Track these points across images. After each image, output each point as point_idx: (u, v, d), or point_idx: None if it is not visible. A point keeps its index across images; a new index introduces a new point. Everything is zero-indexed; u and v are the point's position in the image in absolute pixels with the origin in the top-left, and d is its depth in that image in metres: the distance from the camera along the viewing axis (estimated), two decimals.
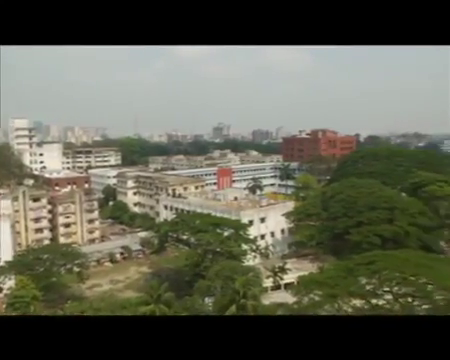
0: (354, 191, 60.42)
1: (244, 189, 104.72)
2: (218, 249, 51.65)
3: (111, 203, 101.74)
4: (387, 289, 31.71)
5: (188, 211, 71.71)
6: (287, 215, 65.07)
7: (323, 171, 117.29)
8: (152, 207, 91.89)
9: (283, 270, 52.27)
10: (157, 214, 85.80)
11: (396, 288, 31.39)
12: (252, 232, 59.54)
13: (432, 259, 37.18)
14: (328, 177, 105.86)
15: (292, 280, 50.51)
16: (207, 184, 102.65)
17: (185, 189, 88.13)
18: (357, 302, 32.19)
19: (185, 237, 60.63)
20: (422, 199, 61.19)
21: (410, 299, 31.04)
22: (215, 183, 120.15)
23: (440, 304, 29.74)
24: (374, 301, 31.77)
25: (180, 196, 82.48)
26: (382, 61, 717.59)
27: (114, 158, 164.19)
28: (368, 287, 32.10)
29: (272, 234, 67.07)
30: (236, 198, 76.87)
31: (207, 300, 43.06)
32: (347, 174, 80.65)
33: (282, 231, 68.31)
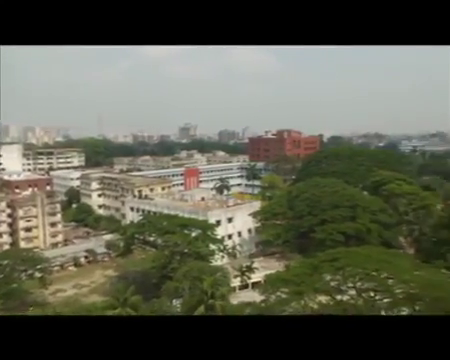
0: (318, 190, 61.94)
1: (211, 189, 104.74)
2: (186, 250, 51.43)
3: (74, 206, 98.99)
4: (351, 285, 32.70)
5: (155, 212, 70.99)
6: (254, 215, 65.77)
7: (288, 171, 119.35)
8: (118, 209, 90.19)
9: (250, 269, 52.77)
10: (123, 216, 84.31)
11: (359, 283, 32.43)
12: (219, 232, 59.70)
13: (392, 254, 38.77)
14: (293, 177, 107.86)
15: (259, 279, 51.06)
16: (174, 185, 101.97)
17: (152, 190, 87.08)
18: (322, 298, 33.02)
19: (152, 239, 59.99)
20: (382, 197, 63.57)
21: (372, 293, 32.14)
22: (182, 184, 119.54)
23: (399, 297, 31.04)
24: (339, 297, 32.70)
25: (146, 197, 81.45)
26: (346, 62, 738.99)
27: (77, 159, 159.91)
28: (333, 283, 32.99)
29: (239, 234, 67.55)
30: (203, 198, 76.84)
31: (175, 302, 42.80)
32: (311, 174, 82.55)
33: (249, 231, 68.93)
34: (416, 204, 62.28)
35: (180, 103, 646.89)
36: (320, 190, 61.87)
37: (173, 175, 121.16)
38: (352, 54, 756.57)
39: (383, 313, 30.15)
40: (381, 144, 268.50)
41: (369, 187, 71.36)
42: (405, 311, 30.39)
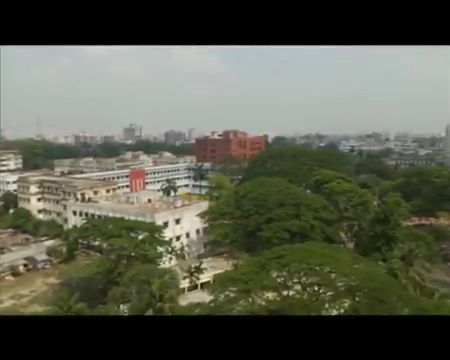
0: (264, 189, 63.41)
1: (158, 191, 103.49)
2: (132, 253, 50.34)
3: (12, 211, 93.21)
4: (296, 280, 33.84)
5: (99, 216, 68.72)
6: (202, 215, 65.89)
7: (235, 171, 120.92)
8: (59, 213, 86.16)
9: (199, 270, 52.82)
10: (65, 221, 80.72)
11: (304, 278, 33.60)
12: (167, 234, 59.14)
13: (334, 249, 40.68)
14: (240, 177, 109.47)
15: (208, 279, 51.30)
16: (119, 187, 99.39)
17: (95, 193, 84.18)
18: (270, 295, 33.88)
19: (97, 243, 58.05)
20: (324, 195, 66.38)
21: (316, 287, 33.46)
22: (128, 186, 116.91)
23: (341, 290, 32.66)
24: (285, 292, 33.73)
25: (90, 200, 78.64)
26: (290, 63, 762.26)
27: (14, 162, 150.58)
28: (279, 280, 33.92)
29: (187, 235, 67.36)
30: (150, 200, 75.69)
31: (122, 307, 41.77)
32: (257, 173, 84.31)
33: (197, 231, 68.95)
34: (355, 201, 65.75)
35: (124, 103, 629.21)
36: (266, 189, 63.37)
37: (118, 177, 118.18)
38: (297, 56, 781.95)
39: (326, 305, 31.54)
40: (322, 144, 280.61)
41: (312, 185, 74.29)
42: (346, 303, 32.03)
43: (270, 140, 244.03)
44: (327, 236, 56.83)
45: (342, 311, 31.46)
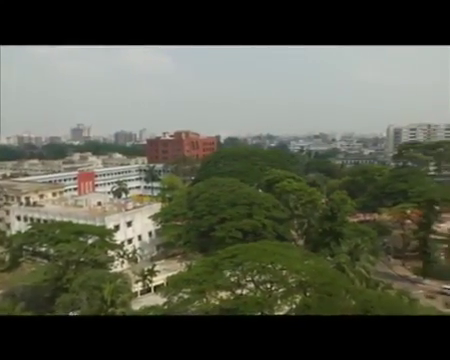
0: (216, 190, 63.73)
1: (108, 193, 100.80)
2: (82, 259, 48.57)
3: None
4: (249, 278, 34.37)
5: (46, 220, 65.68)
6: (154, 217, 64.96)
7: (187, 171, 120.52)
8: (1, 219, 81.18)
9: (152, 273, 52.06)
10: (8, 226, 76.28)
11: (257, 276, 34.19)
12: (118, 237, 57.76)
13: (285, 247, 41.69)
14: (192, 177, 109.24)
15: (162, 281, 50.72)
16: (67, 190, 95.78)
17: (41, 196, 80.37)
18: (223, 294, 34.12)
19: (43, 249, 55.39)
20: (275, 194, 67.95)
21: (269, 285, 34.18)
22: (76, 188, 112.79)
23: (293, 286, 33.61)
24: (239, 291, 34.13)
25: (35, 204, 74.94)
26: (241, 64, 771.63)
27: None
28: (232, 279, 34.26)
29: (139, 237, 66.14)
30: (100, 203, 73.45)
31: (72, 314, 40.20)
32: (210, 174, 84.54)
33: (150, 233, 67.90)
34: (304, 199, 67.88)
35: (72, 103, 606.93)
36: (218, 189, 63.72)
37: (65, 179, 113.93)
38: (249, 57, 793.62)
39: (278, 302, 32.30)
40: (273, 144, 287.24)
41: (263, 185, 75.74)
42: (297, 298, 33.00)
43: (222, 141, 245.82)
44: (279, 234, 58.17)
45: (294, 306, 32.38)
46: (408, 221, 69.79)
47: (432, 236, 61.36)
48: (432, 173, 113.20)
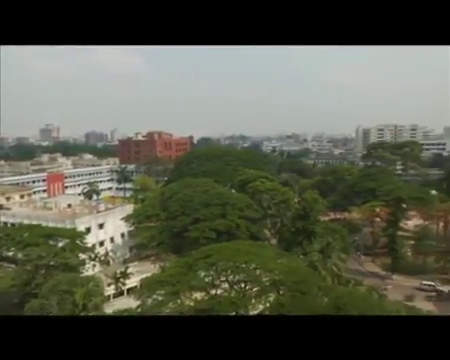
0: (190, 190, 63.55)
1: (79, 195, 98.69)
2: (52, 262, 47.29)
3: None
4: (223, 278, 34.48)
5: (13, 224, 63.59)
6: (126, 218, 64.08)
7: (160, 172, 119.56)
8: None
9: (125, 275, 51.35)
10: None
11: (231, 276, 34.35)
12: (90, 240, 56.57)
13: (259, 246, 42.07)
14: (165, 178, 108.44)
15: (135, 284, 50.12)
16: (35, 192, 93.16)
17: (8, 199, 77.84)
18: (198, 295, 34.08)
19: (11, 254, 53.57)
20: (248, 194, 68.37)
21: (243, 284, 34.41)
22: (45, 190, 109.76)
23: (267, 285, 33.96)
24: (213, 291, 34.17)
25: (2, 207, 72.44)
26: (214, 64, 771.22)
27: None
28: (207, 279, 34.28)
29: (112, 239, 65.05)
30: (70, 205, 71.79)
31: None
32: (183, 174, 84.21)
33: (122, 235, 66.90)
34: (277, 199, 68.65)
35: (41, 103, 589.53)
36: (192, 190, 63.56)
37: (34, 181, 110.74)
38: (221, 57, 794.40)
39: (253, 301, 32.56)
40: (246, 145, 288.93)
41: (236, 185, 76.07)
42: (271, 297, 33.38)
43: (195, 141, 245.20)
44: (252, 234, 58.61)
45: (268, 305, 32.73)
46: (377, 219, 71.89)
47: (399, 233, 63.43)
48: (399, 172, 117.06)
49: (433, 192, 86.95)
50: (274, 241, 68.68)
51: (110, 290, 49.85)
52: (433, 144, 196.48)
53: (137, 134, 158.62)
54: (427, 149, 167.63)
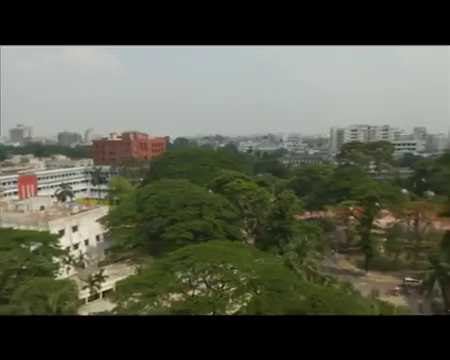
0: (166, 191, 63.13)
1: (52, 197, 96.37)
2: (24, 267, 45.95)
3: None
4: (201, 279, 34.45)
5: None
6: (101, 220, 63.05)
7: (136, 173, 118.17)
8: None
9: (100, 278, 50.53)
10: None
11: (208, 277, 34.35)
12: (64, 242, 55.43)
13: (236, 246, 42.24)
14: (141, 179, 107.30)
15: (111, 287, 49.41)
16: (6, 194, 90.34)
17: None
18: (175, 296, 33.92)
19: None
20: (225, 194, 68.55)
21: (220, 284, 34.47)
22: (16, 192, 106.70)
23: (244, 284, 34.14)
24: (190, 292, 34.09)
25: None
26: (190, 64, 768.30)
27: None
28: (184, 280, 34.18)
29: (86, 242, 63.87)
30: (43, 207, 70.03)
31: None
32: (159, 175, 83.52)
33: (97, 237, 65.79)
34: (254, 199, 69.12)
35: (11, 102, 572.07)
36: (168, 191, 63.15)
37: (4, 183, 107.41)
38: (197, 57, 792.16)
39: (230, 301, 32.68)
40: (222, 145, 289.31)
41: (213, 185, 76.13)
42: (249, 296, 33.59)
43: (171, 141, 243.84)
44: (229, 234, 58.79)
45: (245, 304, 32.91)
46: (351, 217, 73.42)
47: (373, 231, 65.03)
48: (372, 171, 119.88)
49: (404, 191, 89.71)
50: (251, 241, 69.17)
51: (85, 293, 48.96)
52: (404, 144, 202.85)
53: (112, 134, 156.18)
54: (398, 149, 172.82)
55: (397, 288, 55.95)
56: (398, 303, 47.98)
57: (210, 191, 73.27)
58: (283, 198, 60.62)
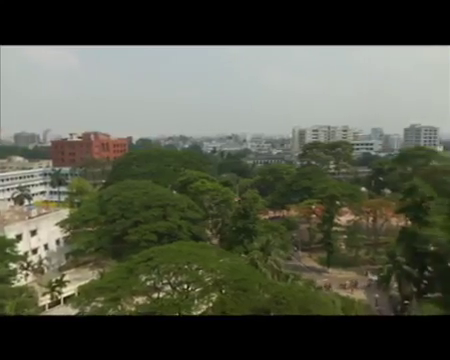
0: (130, 192, 62.04)
1: (8, 200, 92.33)
2: None
3: None
4: (166, 281, 34.15)
5: None
6: (62, 224, 61.01)
7: (98, 174, 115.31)
8: None
9: (61, 283, 48.93)
10: None
11: (173, 278, 34.10)
12: (22, 248, 53.19)
13: (201, 247, 42.23)
14: (103, 180, 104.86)
15: (73, 292, 48.03)
16: None
17: None
18: (140, 299, 33.42)
19: None
20: (189, 194, 68.35)
21: (186, 286, 34.33)
22: None
23: (209, 285, 34.19)
24: (155, 295, 33.71)
25: None
26: (153, 64, 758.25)
27: None
28: (149, 283, 33.74)
29: (46, 246, 61.62)
30: None
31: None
32: (122, 176, 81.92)
33: (57, 241, 63.66)
34: (218, 199, 69.39)
35: None
36: (131, 192, 62.09)
37: None
38: (161, 57, 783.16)
39: (195, 302, 32.63)
40: (186, 146, 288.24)
41: (177, 186, 75.70)
42: (214, 296, 33.68)
43: (134, 142, 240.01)
44: (194, 234, 58.64)
45: (210, 305, 32.97)
46: (313, 216, 75.33)
47: (334, 228, 67.04)
48: (332, 171, 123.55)
49: (362, 189, 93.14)
50: (216, 241, 69.37)
51: (45, 300, 47.27)
52: (362, 144, 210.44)
53: (72, 135, 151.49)
54: (357, 149, 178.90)
55: (347, 282, 57.73)
56: (359, 297, 49.87)
57: (174, 192, 72.79)
58: (247, 198, 61.23)
